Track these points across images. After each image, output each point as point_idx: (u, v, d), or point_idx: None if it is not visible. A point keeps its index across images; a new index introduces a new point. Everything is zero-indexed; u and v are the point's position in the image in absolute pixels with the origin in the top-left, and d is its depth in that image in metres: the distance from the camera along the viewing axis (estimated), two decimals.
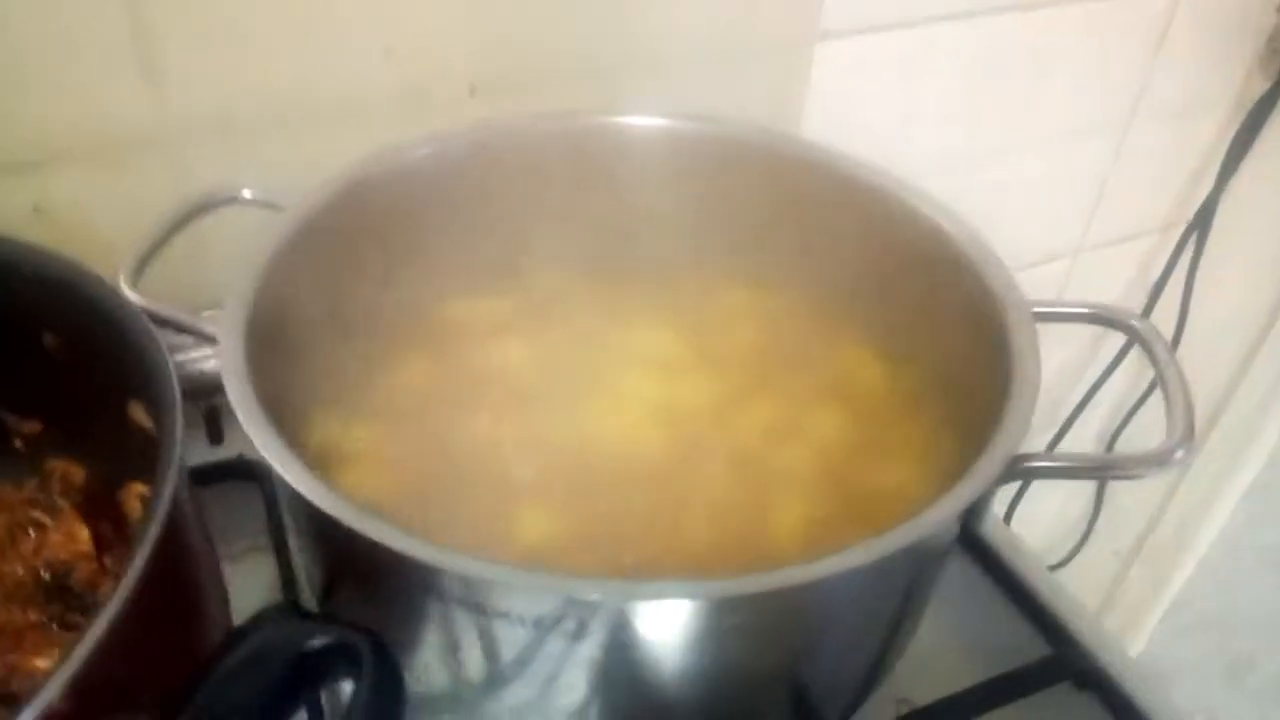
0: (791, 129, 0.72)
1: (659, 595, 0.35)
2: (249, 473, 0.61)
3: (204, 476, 0.59)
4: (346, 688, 0.49)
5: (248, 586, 0.53)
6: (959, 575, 0.58)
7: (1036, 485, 1.15)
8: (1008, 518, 1.12)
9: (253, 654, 0.32)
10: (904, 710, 0.52)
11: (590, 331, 0.56)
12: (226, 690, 0.31)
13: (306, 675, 0.33)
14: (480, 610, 0.36)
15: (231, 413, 0.64)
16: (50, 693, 0.30)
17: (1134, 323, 0.45)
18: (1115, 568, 1.32)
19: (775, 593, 0.35)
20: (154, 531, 0.33)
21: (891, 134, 0.53)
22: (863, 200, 0.53)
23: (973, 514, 0.42)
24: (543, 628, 0.37)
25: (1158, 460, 0.40)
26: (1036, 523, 1.21)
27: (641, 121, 0.56)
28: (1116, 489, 1.22)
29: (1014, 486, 1.14)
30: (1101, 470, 0.43)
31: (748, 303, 0.59)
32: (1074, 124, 0.90)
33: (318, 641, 0.32)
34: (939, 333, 0.50)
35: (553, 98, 0.61)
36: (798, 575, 0.35)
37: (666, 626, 0.37)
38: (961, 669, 0.54)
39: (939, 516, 0.37)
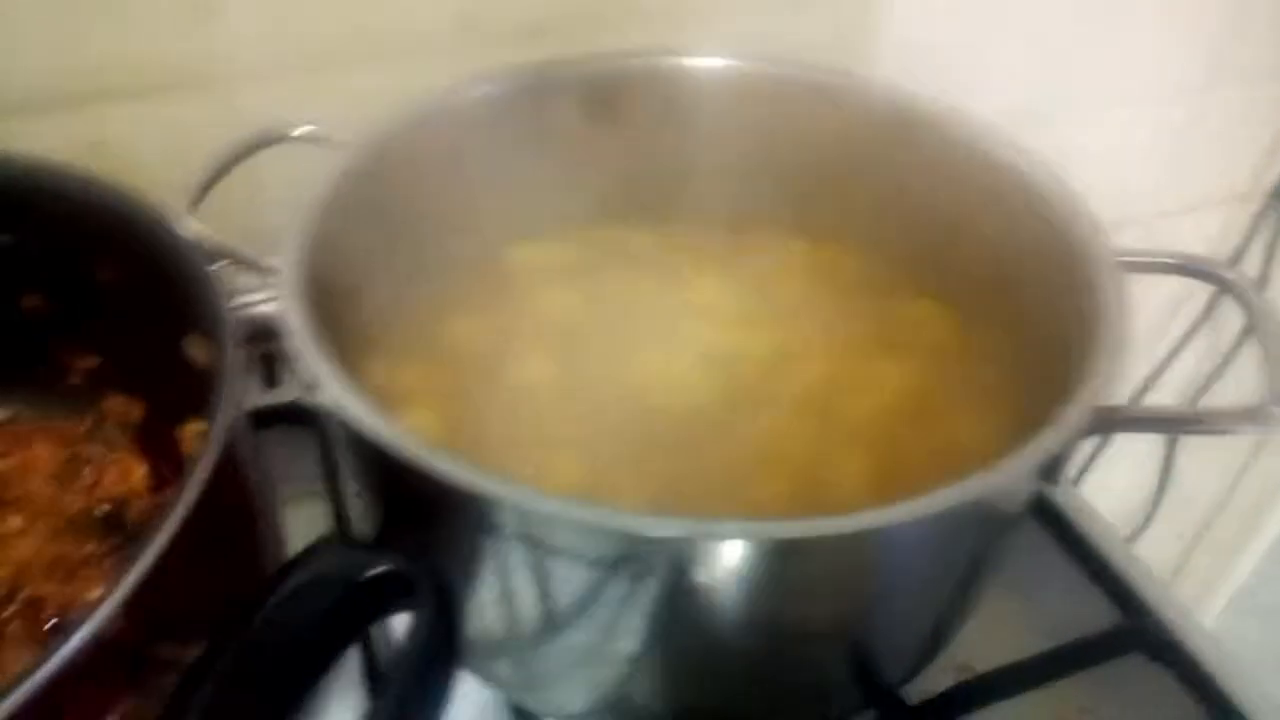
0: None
1: (725, 536, 0.33)
2: (304, 418, 0.60)
3: (259, 420, 0.58)
4: (397, 625, 0.49)
5: (301, 530, 0.53)
6: (1026, 540, 0.56)
7: (1100, 464, 1.12)
8: None
9: (310, 580, 0.31)
10: (965, 676, 0.50)
11: (647, 279, 0.55)
12: (283, 614, 0.30)
13: (362, 605, 0.32)
14: (541, 548, 0.35)
15: (287, 358, 0.65)
16: (104, 615, 0.29)
17: (1226, 274, 0.43)
18: (1178, 552, 1.29)
19: (845, 538, 0.34)
20: (211, 457, 0.33)
21: (963, 86, 0.51)
22: (936, 144, 0.51)
23: (1051, 470, 0.40)
24: (603, 568, 0.36)
25: (1252, 417, 0.38)
26: (1098, 505, 1.18)
27: (704, 63, 0.54)
28: (1183, 471, 1.19)
29: (1079, 459, 1.11)
30: (1193, 424, 0.40)
31: (808, 252, 0.57)
32: (1152, 85, 0.86)
33: (375, 570, 0.32)
34: (1014, 283, 0.48)
35: (613, 38, 0.59)
36: (869, 520, 0.33)
37: (729, 571, 0.36)
38: (1026, 637, 0.52)
39: (1019, 466, 0.35)
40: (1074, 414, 0.36)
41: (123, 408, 0.52)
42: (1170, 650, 0.50)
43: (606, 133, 0.54)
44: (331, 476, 0.57)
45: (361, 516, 0.51)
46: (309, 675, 0.31)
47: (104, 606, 0.30)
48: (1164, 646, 0.51)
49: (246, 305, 0.58)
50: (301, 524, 0.55)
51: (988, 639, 0.51)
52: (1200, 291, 1.01)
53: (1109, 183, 0.90)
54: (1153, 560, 0.55)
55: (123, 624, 0.30)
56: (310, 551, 0.33)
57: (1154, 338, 1.07)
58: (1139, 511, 1.21)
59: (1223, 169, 0.98)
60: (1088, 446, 1.11)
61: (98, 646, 0.29)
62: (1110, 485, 1.20)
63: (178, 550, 0.31)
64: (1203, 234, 1.03)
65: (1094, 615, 0.53)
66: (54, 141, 0.49)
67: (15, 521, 0.49)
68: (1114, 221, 0.45)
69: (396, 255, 0.50)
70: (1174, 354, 1.05)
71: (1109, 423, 0.38)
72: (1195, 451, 1.18)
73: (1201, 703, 0.49)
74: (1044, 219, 0.46)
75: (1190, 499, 1.22)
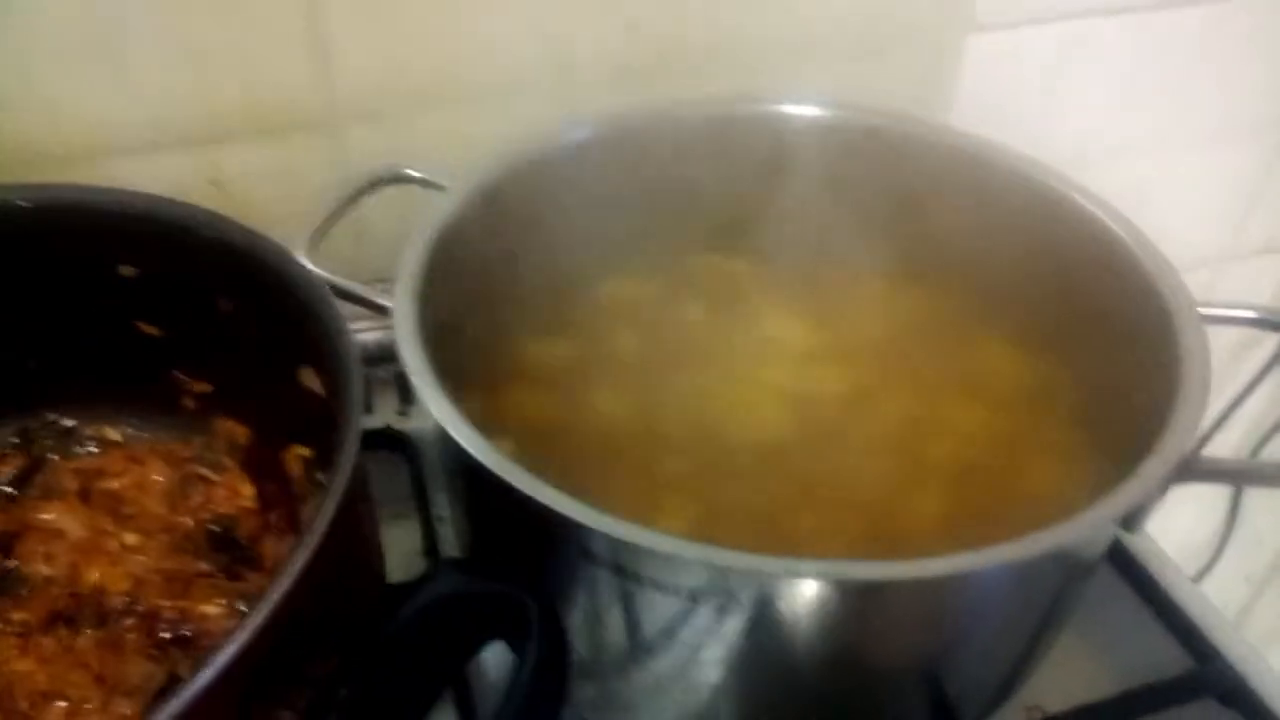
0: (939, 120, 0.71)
1: (809, 575, 0.35)
2: (395, 443, 0.63)
3: None
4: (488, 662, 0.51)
5: (391, 553, 0.55)
6: (1098, 583, 0.57)
7: (1164, 504, 1.11)
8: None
9: (430, 602, 0.33)
10: (1036, 717, 0.51)
11: (729, 315, 0.57)
12: (408, 631, 0.33)
13: (479, 628, 0.34)
14: (631, 578, 0.37)
15: (380, 384, 0.67)
16: (250, 630, 0.32)
17: None
18: (1246, 594, 1.27)
19: (928, 582, 0.36)
20: (341, 485, 0.35)
21: (1038, 127, 0.53)
22: (1018, 194, 0.52)
23: (1131, 519, 0.41)
24: (691, 600, 0.37)
25: None
26: (1164, 544, 1.17)
27: (793, 109, 0.57)
28: (1252, 511, 1.18)
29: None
30: (1276, 478, 0.41)
31: (887, 294, 0.58)
32: (1227, 127, 0.87)
33: (492, 594, 0.34)
34: (1093, 333, 0.50)
35: (699, 82, 0.62)
36: (954, 565, 0.35)
37: (811, 607, 0.37)
38: (1097, 679, 0.53)
39: (1102, 516, 0.36)
40: (1158, 466, 0.37)
41: (231, 431, 0.55)
42: (1241, 695, 0.51)
43: (697, 174, 0.56)
44: (421, 500, 0.59)
45: (453, 539, 0.54)
46: (432, 693, 0.33)
47: (246, 629, 0.32)
48: (1235, 692, 0.51)
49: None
50: (391, 546, 0.57)
51: (1058, 681, 0.52)
52: (1268, 339, 1.01)
53: (1178, 225, 0.91)
54: (1219, 602, 0.56)
55: (262, 641, 0.32)
56: (431, 575, 0.35)
57: (1218, 384, 1.06)
58: (1203, 552, 1.19)
59: None
60: None
61: (241, 663, 0.31)
62: (1174, 526, 1.19)
63: (311, 572, 0.34)
64: (1273, 278, 1.02)
65: (1165, 659, 0.54)
66: (174, 179, 0.53)
67: (131, 538, 0.52)
68: (1182, 265, 0.47)
69: (494, 292, 0.52)
70: (1238, 401, 1.05)
71: (1190, 473, 0.39)
72: (1264, 493, 1.17)
73: None
74: (1124, 269, 0.47)
75: (1260, 540, 1.21)
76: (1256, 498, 1.17)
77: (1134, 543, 0.58)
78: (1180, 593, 0.56)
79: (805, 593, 0.37)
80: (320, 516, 0.34)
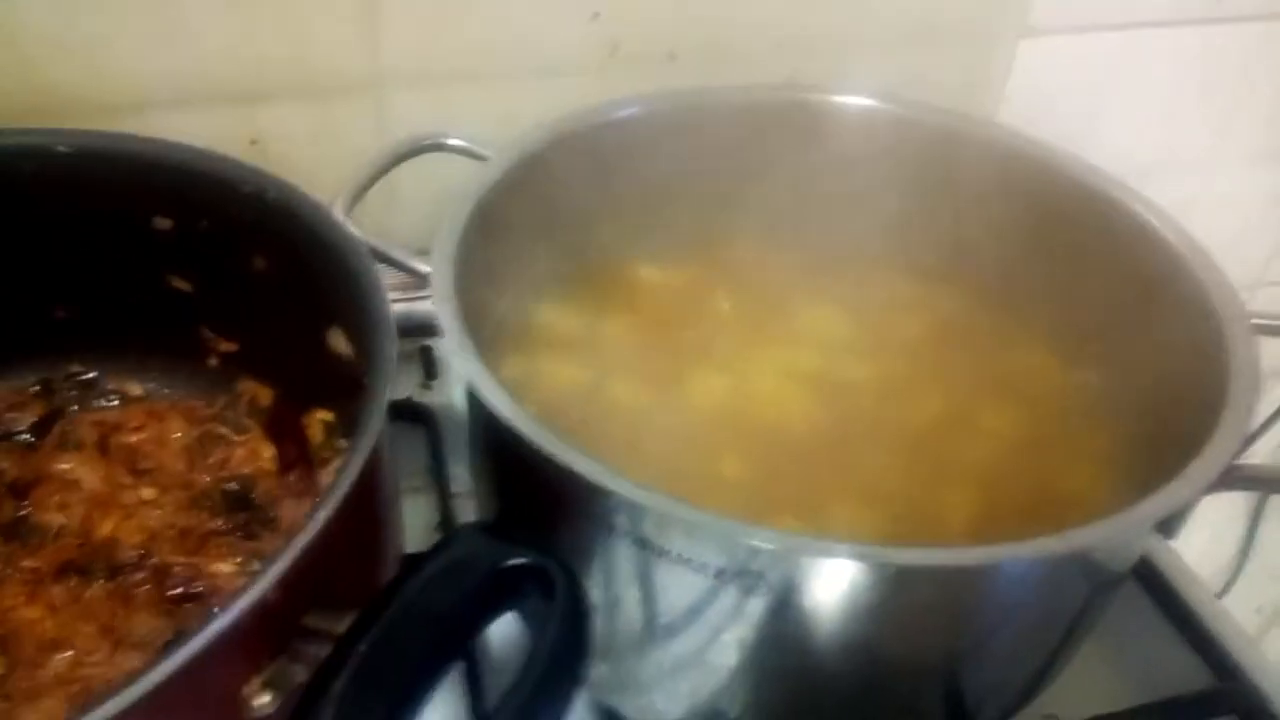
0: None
1: (837, 555, 0.34)
2: (415, 415, 0.63)
3: None
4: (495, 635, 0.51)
5: (407, 526, 0.55)
6: (1125, 602, 0.56)
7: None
8: None
9: (453, 564, 0.33)
10: None
11: (763, 304, 0.56)
12: (426, 593, 0.32)
13: (499, 592, 0.34)
14: (659, 552, 0.37)
15: (404, 357, 0.67)
16: (264, 585, 0.31)
17: None
18: (1257, 626, 1.26)
19: (958, 570, 0.35)
20: (369, 441, 0.35)
21: (1084, 136, 0.52)
22: (1067, 195, 0.52)
23: (1169, 524, 0.41)
24: (717, 578, 0.37)
25: None
26: None
27: (837, 99, 0.56)
28: (1265, 544, 1.16)
29: None
30: None
31: (924, 290, 0.58)
32: (1269, 149, 0.86)
33: (516, 561, 0.33)
34: (1137, 339, 0.49)
35: (748, 70, 0.61)
36: (986, 555, 0.34)
37: (838, 592, 0.37)
38: (1116, 691, 0.52)
39: (1143, 515, 0.36)
40: (1203, 469, 0.37)
41: (254, 392, 0.55)
42: (1262, 715, 0.50)
43: (742, 161, 0.55)
44: (439, 474, 0.59)
45: (470, 514, 0.53)
46: (448, 655, 0.33)
47: (265, 578, 0.31)
48: (1256, 711, 0.50)
49: None
50: (412, 516, 0.57)
51: (1077, 691, 0.51)
52: None
53: (1222, 240, 0.90)
54: None
55: (277, 595, 0.32)
56: (455, 537, 0.34)
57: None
58: (1214, 580, 1.18)
59: None
60: None
61: (256, 613, 0.31)
62: (1187, 554, 1.18)
63: (331, 530, 0.33)
64: None
65: (1186, 675, 0.53)
66: (214, 135, 0.52)
67: (148, 492, 0.52)
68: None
69: (529, 265, 0.52)
70: (1262, 430, 1.03)
71: (1234, 480, 0.38)
72: (1278, 525, 1.15)
73: None
74: (1175, 276, 0.47)
75: (1272, 567, 1.20)
76: (1270, 530, 1.16)
77: (1159, 557, 0.57)
78: (1203, 609, 0.55)
79: (833, 576, 0.36)
80: (345, 472, 0.34)
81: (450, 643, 0.33)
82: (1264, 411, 1.02)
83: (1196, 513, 1.07)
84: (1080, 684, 0.51)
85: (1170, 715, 0.50)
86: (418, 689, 0.32)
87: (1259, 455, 1.09)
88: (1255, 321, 0.43)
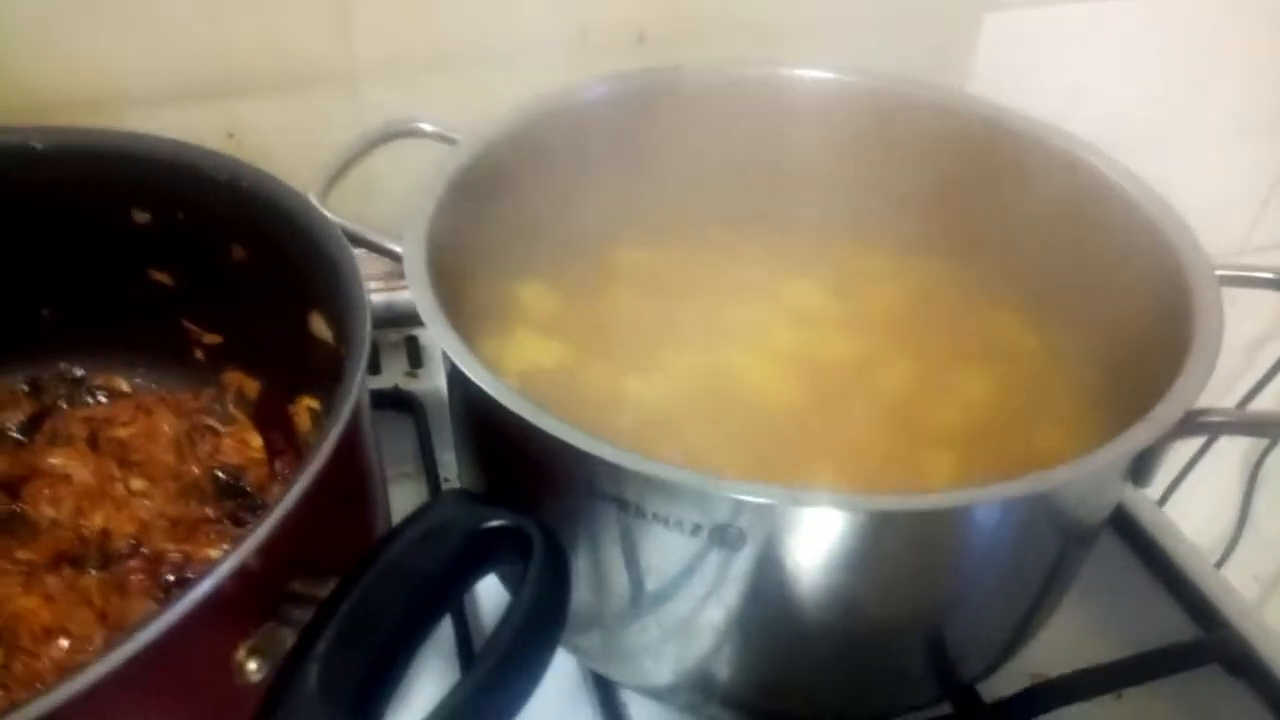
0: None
1: (816, 504, 0.35)
2: (402, 403, 0.63)
3: None
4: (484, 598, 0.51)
5: (396, 514, 0.56)
6: (1107, 553, 0.57)
7: (1177, 500, 1.11)
8: None
9: (434, 527, 0.33)
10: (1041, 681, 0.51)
11: (740, 281, 0.57)
12: (408, 556, 0.33)
13: (478, 554, 0.34)
14: (639, 513, 0.37)
15: (390, 346, 0.68)
16: (246, 551, 0.32)
17: None
18: (1255, 594, 1.26)
19: (931, 514, 0.36)
20: (347, 410, 0.35)
21: (1053, 111, 0.53)
22: (1028, 157, 0.52)
23: (1141, 471, 0.41)
24: (695, 534, 0.37)
25: None
26: None
27: (805, 74, 0.57)
28: (1262, 509, 1.17)
29: (1155, 494, 1.10)
30: None
31: (898, 266, 0.58)
32: (1246, 120, 0.86)
33: (494, 523, 0.34)
34: (1106, 293, 0.49)
35: (716, 52, 0.62)
36: (957, 498, 0.35)
37: (818, 543, 0.37)
38: (1103, 645, 0.53)
39: (1108, 458, 0.36)
40: (1165, 411, 0.37)
41: (241, 383, 0.55)
42: (1248, 663, 0.51)
43: (709, 139, 0.56)
44: (427, 457, 0.59)
45: (467, 480, 0.54)
46: (430, 615, 0.33)
47: (245, 544, 0.32)
48: (1242, 659, 0.51)
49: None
50: (397, 505, 0.57)
51: (1065, 648, 0.52)
52: None
53: (1198, 214, 0.91)
54: None
55: (260, 561, 0.32)
56: (436, 502, 0.35)
57: (1252, 356, 1.06)
58: (1214, 548, 1.19)
59: None
60: (1163, 481, 1.09)
61: (238, 579, 0.31)
62: (1185, 518, 1.18)
63: (311, 498, 0.34)
64: None
65: (1171, 627, 0.54)
66: (191, 130, 0.52)
67: (138, 484, 0.52)
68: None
69: (505, 246, 0.52)
70: (1271, 374, 1.04)
71: (1201, 425, 0.39)
72: (1275, 492, 1.16)
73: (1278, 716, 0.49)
74: (1140, 230, 0.47)
75: (1270, 534, 1.20)
76: (1266, 500, 1.17)
77: (1141, 511, 0.58)
78: (1187, 561, 0.55)
79: (813, 527, 0.36)
80: (324, 442, 0.34)
81: (431, 603, 0.34)
82: (1264, 364, 1.04)
83: (1194, 484, 1.08)
84: (1065, 639, 0.52)
85: (1156, 667, 0.51)
86: (400, 648, 0.32)
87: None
88: (1220, 272, 0.44)
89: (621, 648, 0.45)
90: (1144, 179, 0.49)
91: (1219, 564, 1.18)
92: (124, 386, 0.57)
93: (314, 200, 0.47)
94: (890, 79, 0.57)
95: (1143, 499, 0.60)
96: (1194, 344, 0.40)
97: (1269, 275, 0.45)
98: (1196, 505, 1.17)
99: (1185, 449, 1.08)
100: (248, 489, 0.52)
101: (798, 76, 0.56)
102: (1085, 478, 0.37)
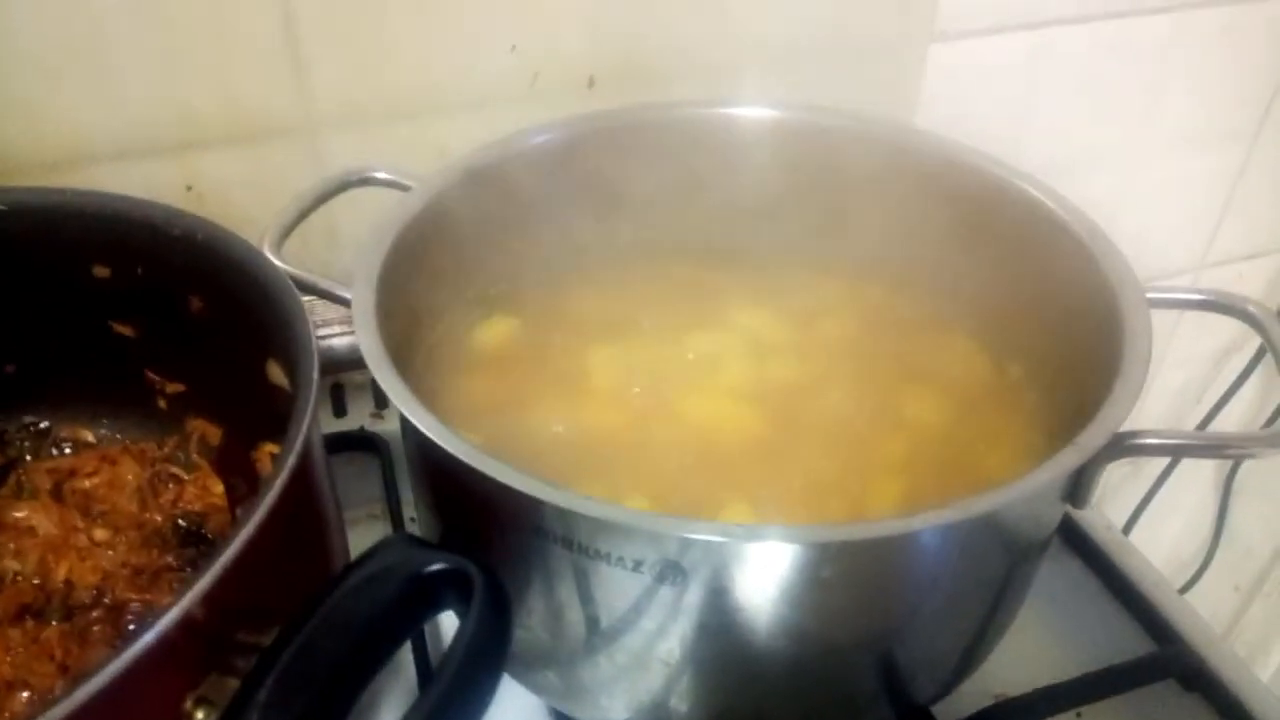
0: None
1: (760, 538, 0.36)
2: (368, 444, 0.64)
3: (327, 446, 0.63)
4: (447, 628, 0.52)
5: (363, 547, 0.56)
6: (1061, 571, 0.58)
7: (1153, 513, 1.12)
8: None
9: (375, 573, 0.34)
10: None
11: (690, 314, 0.58)
12: (351, 601, 0.33)
13: (421, 598, 0.35)
14: (587, 553, 0.38)
15: (355, 389, 0.69)
16: (187, 602, 0.32)
17: (1250, 308, 0.45)
18: (1235, 604, 1.27)
19: (872, 543, 0.36)
20: (294, 457, 0.36)
21: (1004, 137, 0.54)
22: (975, 190, 0.53)
23: (1076, 493, 0.42)
24: (643, 573, 0.38)
25: (1270, 440, 0.39)
26: (1152, 555, 1.18)
27: (751, 113, 0.58)
28: (1238, 519, 1.18)
29: (1129, 508, 1.11)
30: (1213, 448, 0.42)
31: (847, 292, 0.59)
32: (1198, 134, 0.88)
33: (435, 566, 0.34)
34: (1049, 324, 0.50)
35: (666, 92, 0.63)
36: (896, 526, 0.36)
37: (764, 576, 0.38)
38: (1058, 662, 0.53)
39: (1039, 481, 0.37)
40: (1092, 435, 0.38)
41: (204, 430, 0.56)
42: (1202, 678, 0.51)
43: (656, 178, 0.57)
44: (392, 497, 0.60)
45: (422, 525, 0.54)
46: (373, 660, 0.34)
47: (189, 595, 0.33)
48: (1195, 674, 0.52)
49: (320, 338, 0.63)
50: (364, 543, 0.58)
51: (1021, 669, 0.52)
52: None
53: (1155, 231, 0.92)
54: (1207, 611, 0.56)
55: (205, 611, 0.33)
56: (378, 546, 0.35)
57: (1206, 384, 1.07)
58: (1192, 561, 1.20)
59: (1274, 218, 0.99)
60: (1138, 494, 1.10)
61: (183, 629, 0.32)
62: (1163, 537, 1.19)
63: (257, 546, 0.34)
64: (1256, 285, 1.03)
65: (1126, 642, 0.54)
66: (152, 186, 0.54)
67: (102, 534, 0.53)
68: (1163, 270, 0.47)
69: (457, 288, 0.53)
70: (1222, 402, 1.05)
71: (1131, 447, 0.40)
72: (1251, 502, 1.17)
73: None
74: (1076, 257, 0.48)
75: (1248, 543, 1.21)
76: (1242, 509, 1.18)
77: (1094, 527, 0.59)
78: (1139, 575, 0.56)
79: (762, 561, 0.37)
80: (268, 490, 0.35)
81: (374, 648, 0.34)
82: (1225, 381, 1.05)
83: (1169, 495, 1.08)
84: (1023, 658, 0.52)
85: (1112, 684, 0.52)
86: (342, 693, 0.33)
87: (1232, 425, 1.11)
88: (1151, 295, 0.45)
89: (578, 685, 0.45)
90: (1079, 206, 0.50)
91: (1198, 575, 1.19)
92: (89, 437, 0.57)
93: (266, 250, 0.48)
94: (836, 115, 0.58)
95: (1095, 515, 0.60)
96: (1122, 368, 0.41)
97: (1199, 297, 0.46)
98: (1173, 517, 1.18)
99: (1157, 463, 1.09)
100: (209, 535, 0.53)
101: (745, 115, 0.57)
102: (1017, 502, 0.37)
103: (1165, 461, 1.09)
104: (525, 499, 0.36)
